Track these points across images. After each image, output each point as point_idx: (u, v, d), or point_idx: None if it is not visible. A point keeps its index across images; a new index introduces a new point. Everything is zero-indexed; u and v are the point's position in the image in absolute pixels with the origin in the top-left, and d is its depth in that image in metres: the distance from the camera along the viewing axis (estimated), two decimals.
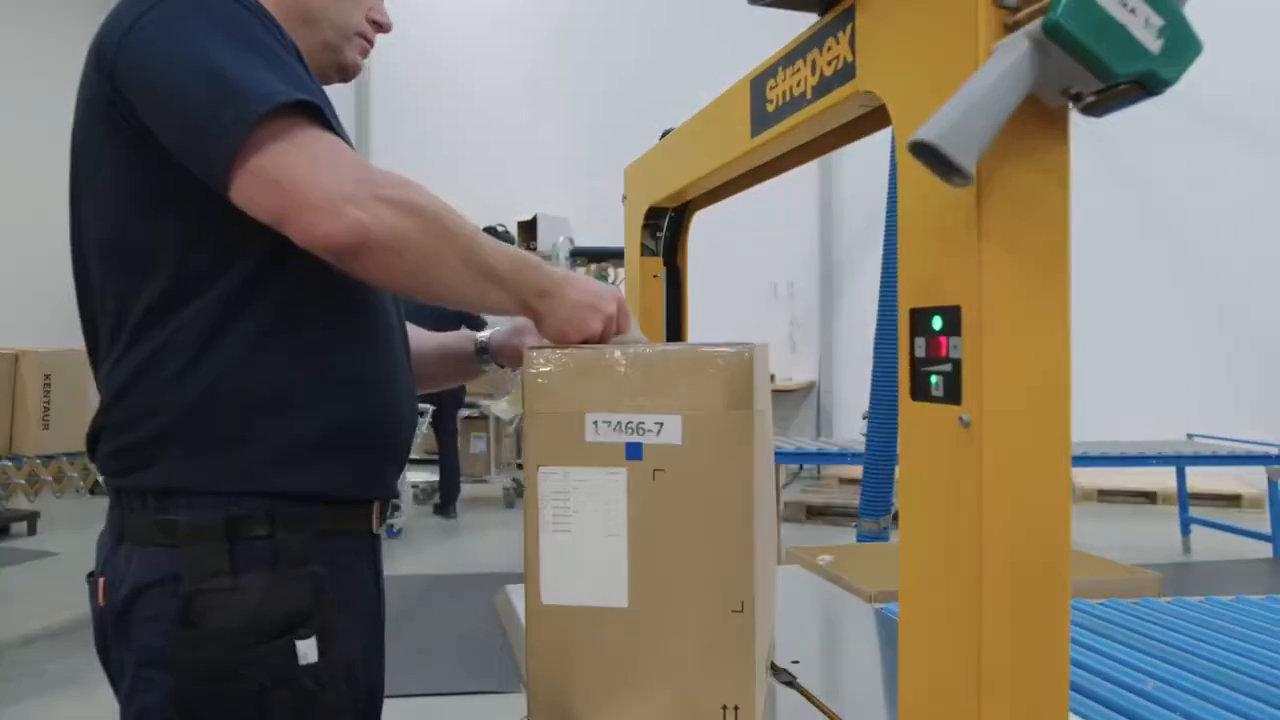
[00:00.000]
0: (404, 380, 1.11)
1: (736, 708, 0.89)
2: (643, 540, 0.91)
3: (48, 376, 4.12)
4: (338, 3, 1.13)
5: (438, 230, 0.89)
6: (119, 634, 0.96)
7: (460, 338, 1.36)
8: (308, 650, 0.95)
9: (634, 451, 0.90)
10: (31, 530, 6.62)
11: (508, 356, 1.33)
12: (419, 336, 1.30)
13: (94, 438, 1.03)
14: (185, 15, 0.92)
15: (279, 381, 0.97)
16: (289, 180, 0.85)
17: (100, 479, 1.09)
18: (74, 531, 6.69)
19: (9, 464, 4.02)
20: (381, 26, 1.19)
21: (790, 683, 1.15)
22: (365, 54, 1.19)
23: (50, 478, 4.17)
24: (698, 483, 0.88)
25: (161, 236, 0.95)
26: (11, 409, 4.07)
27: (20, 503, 6.42)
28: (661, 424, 0.88)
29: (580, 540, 0.93)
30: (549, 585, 0.94)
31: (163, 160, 0.92)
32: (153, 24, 0.92)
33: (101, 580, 0.98)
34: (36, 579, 5.36)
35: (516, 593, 1.64)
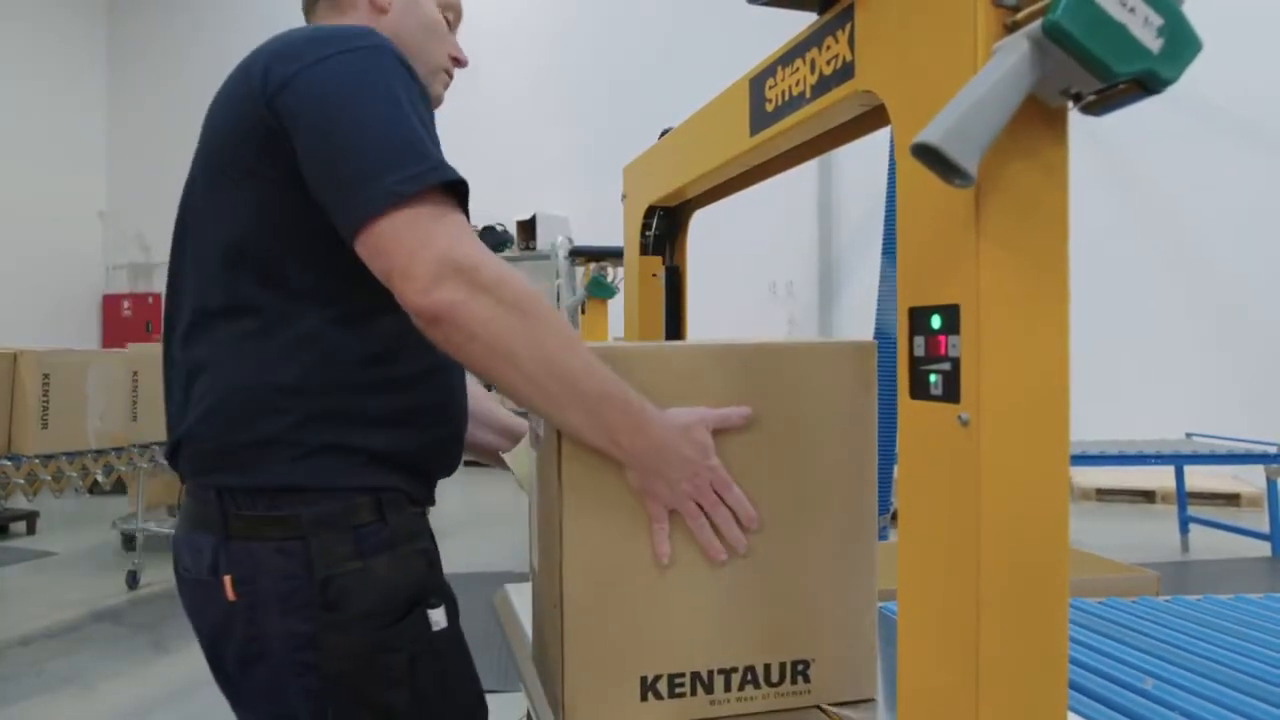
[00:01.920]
0: (464, 404, 1.23)
1: None
2: None
3: (46, 376, 4.11)
4: (428, 42, 1.24)
5: (517, 326, 0.90)
6: (255, 626, 1.02)
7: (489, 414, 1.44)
8: (439, 618, 1.07)
9: None
10: (30, 530, 6.62)
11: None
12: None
13: (189, 438, 1.07)
14: (366, 67, 0.99)
15: (381, 401, 1.07)
16: (402, 252, 0.91)
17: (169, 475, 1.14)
18: (73, 531, 6.69)
19: (8, 463, 4.02)
20: (460, 62, 1.30)
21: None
22: (447, 87, 1.30)
23: (49, 477, 4.17)
24: None
25: (293, 253, 1.03)
26: (10, 409, 4.07)
27: (19, 502, 6.43)
28: None
29: None
30: None
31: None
32: (335, 69, 0.99)
33: (228, 578, 1.02)
34: (35, 578, 5.36)
35: (516, 592, 1.64)
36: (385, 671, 1.03)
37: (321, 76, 0.98)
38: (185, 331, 1.09)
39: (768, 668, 1.03)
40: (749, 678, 1.02)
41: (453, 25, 1.30)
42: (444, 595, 1.10)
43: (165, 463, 4.86)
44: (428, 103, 1.04)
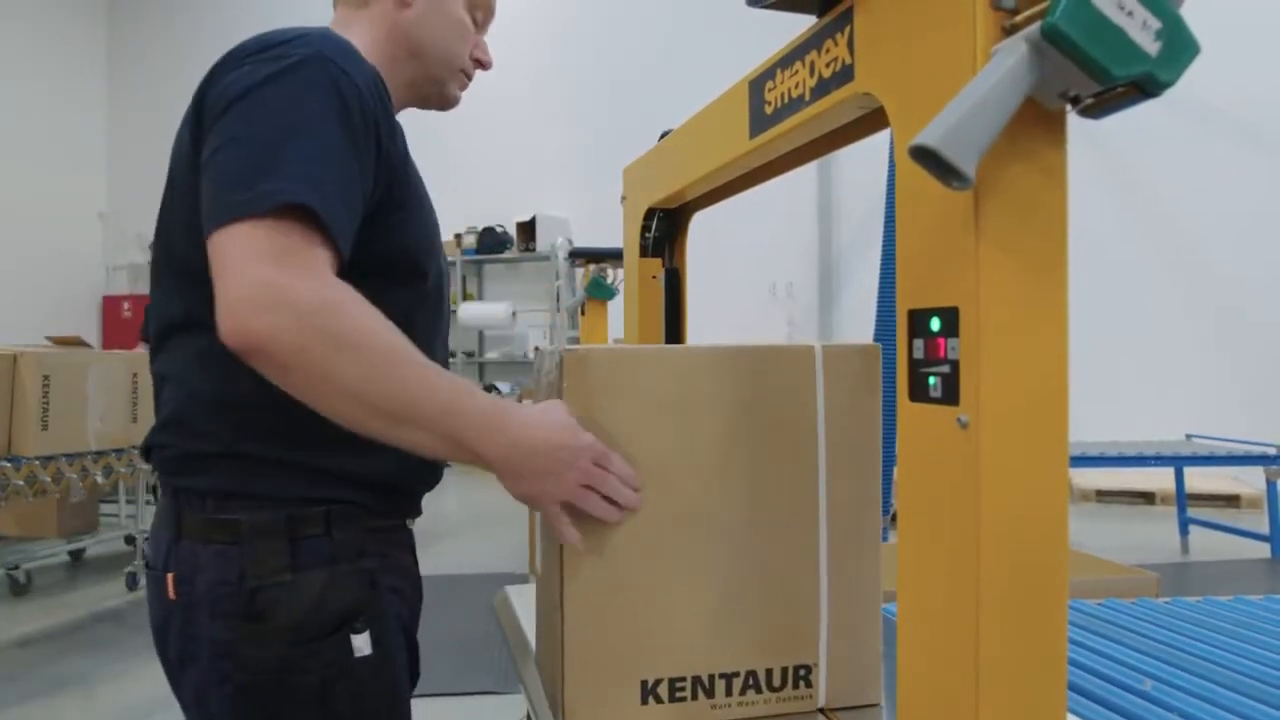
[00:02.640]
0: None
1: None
2: None
3: (46, 378, 4.11)
4: (447, 40, 1.20)
5: (333, 355, 0.85)
6: (189, 627, 1.01)
7: None
8: (362, 644, 1.01)
9: None
10: None
11: None
12: None
13: (154, 444, 1.08)
14: (277, 74, 0.94)
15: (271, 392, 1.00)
16: (223, 271, 0.87)
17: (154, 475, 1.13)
18: None
19: (7, 465, 4.01)
20: (483, 64, 1.25)
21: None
22: (465, 88, 1.26)
23: (49, 478, 4.17)
24: None
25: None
26: (10, 410, 4.07)
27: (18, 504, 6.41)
28: None
29: None
30: None
31: None
32: (247, 77, 0.94)
33: (171, 576, 1.01)
34: (35, 580, 5.35)
35: (515, 593, 1.64)
36: (293, 692, 0.98)
37: (235, 80, 0.95)
38: (154, 341, 1.10)
39: (769, 672, 1.03)
40: (750, 682, 1.02)
41: (481, 25, 1.25)
42: (375, 621, 1.03)
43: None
44: (369, 125, 0.97)
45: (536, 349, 1.25)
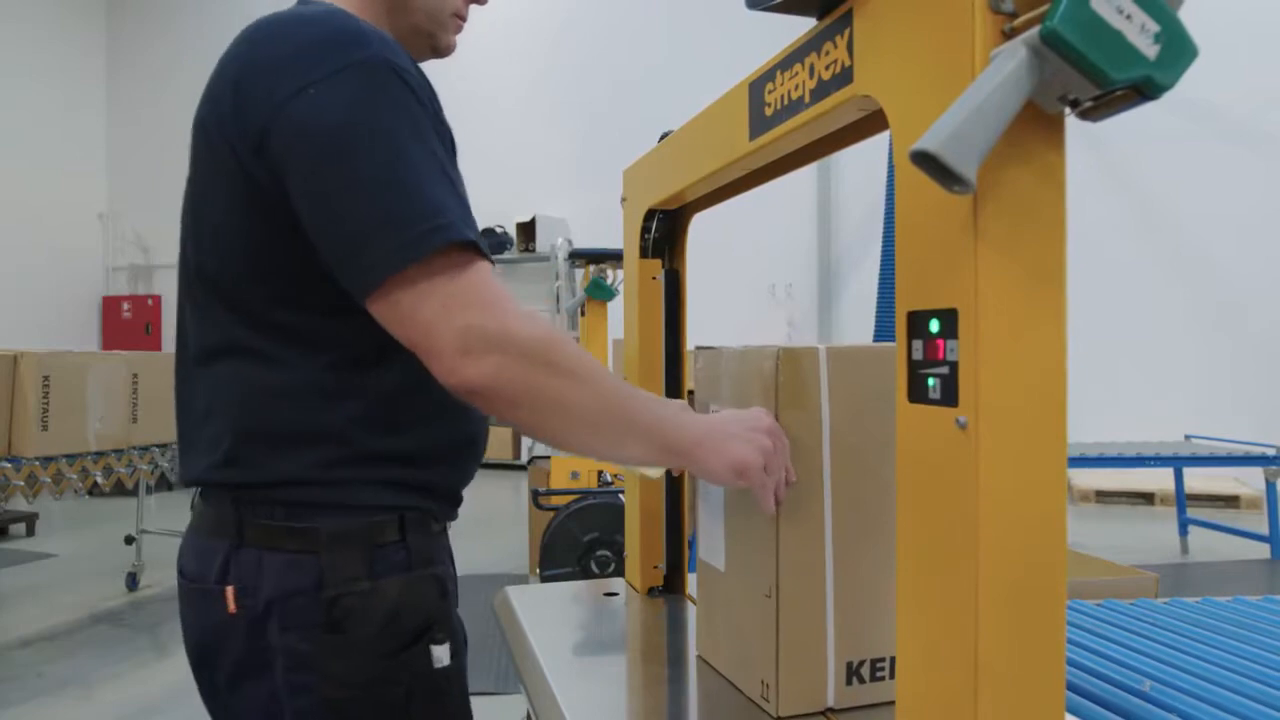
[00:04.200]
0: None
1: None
2: None
3: (46, 378, 4.11)
4: None
5: (560, 386, 0.89)
6: (254, 639, 0.97)
7: None
8: (442, 655, 1.02)
9: None
10: (30, 532, 6.63)
11: None
12: None
13: (224, 476, 1.00)
14: (359, 100, 0.89)
15: (405, 435, 1.02)
16: (421, 324, 0.87)
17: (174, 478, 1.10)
18: (72, 533, 6.69)
19: (7, 465, 4.02)
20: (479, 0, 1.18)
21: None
22: (459, 31, 1.19)
23: (49, 479, 4.17)
24: None
25: (290, 301, 0.97)
26: (10, 410, 4.07)
27: (19, 504, 6.43)
28: None
29: None
30: None
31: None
32: (328, 101, 0.88)
33: (231, 589, 0.97)
34: (35, 580, 5.36)
35: (515, 594, 1.64)
36: (381, 704, 0.98)
37: (311, 113, 0.88)
38: (194, 361, 1.04)
39: None
40: None
41: None
42: (450, 630, 1.04)
43: (164, 466, 4.87)
44: (441, 122, 0.96)
45: (698, 348, 1.30)
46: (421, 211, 0.87)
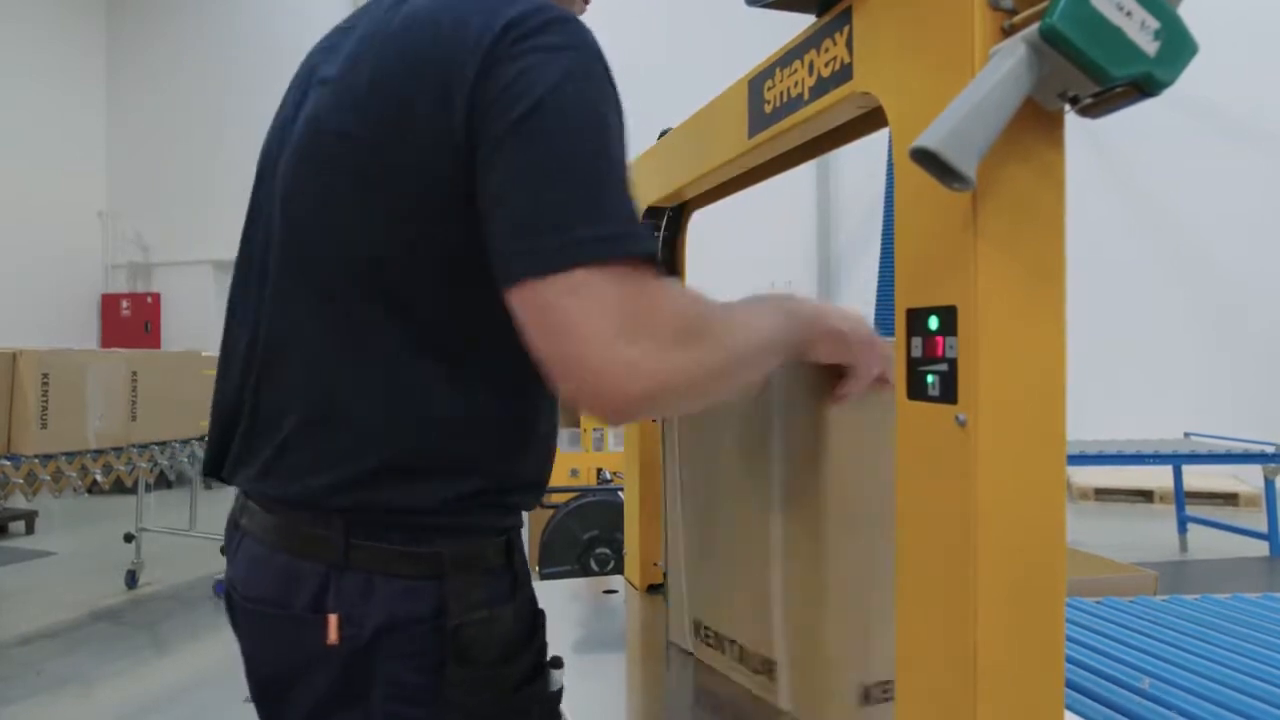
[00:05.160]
0: None
1: None
2: None
3: (45, 376, 4.11)
4: None
5: (723, 361, 0.82)
6: (352, 671, 0.88)
7: None
8: (559, 678, 0.98)
9: None
10: (29, 530, 6.63)
11: None
12: None
13: (343, 463, 0.90)
14: (592, 80, 0.81)
15: (527, 460, 0.97)
16: (574, 337, 0.75)
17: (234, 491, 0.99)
18: (72, 531, 6.70)
19: (7, 463, 4.01)
20: None
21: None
22: (583, 12, 1.11)
23: (48, 477, 4.17)
24: None
25: (456, 298, 0.88)
26: (9, 408, 4.07)
27: (18, 502, 6.43)
28: None
29: None
30: None
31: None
32: (561, 67, 0.80)
33: (334, 617, 0.88)
34: (34, 578, 5.36)
35: None
36: None
37: (528, 78, 0.79)
38: (275, 363, 0.95)
39: None
40: None
41: None
42: (545, 649, 0.99)
43: (164, 464, 4.87)
44: (627, 131, 0.87)
45: None
46: (604, 212, 0.77)
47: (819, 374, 1.04)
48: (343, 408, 0.89)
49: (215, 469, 1.04)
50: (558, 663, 0.99)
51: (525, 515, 1.14)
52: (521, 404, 0.94)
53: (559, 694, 0.98)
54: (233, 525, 1.01)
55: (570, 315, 0.74)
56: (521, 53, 0.80)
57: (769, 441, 1.11)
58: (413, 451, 0.89)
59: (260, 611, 0.93)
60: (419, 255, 0.87)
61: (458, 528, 0.91)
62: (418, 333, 0.88)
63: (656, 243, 0.84)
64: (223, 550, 1.06)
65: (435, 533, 0.89)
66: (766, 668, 1.11)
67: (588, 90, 0.81)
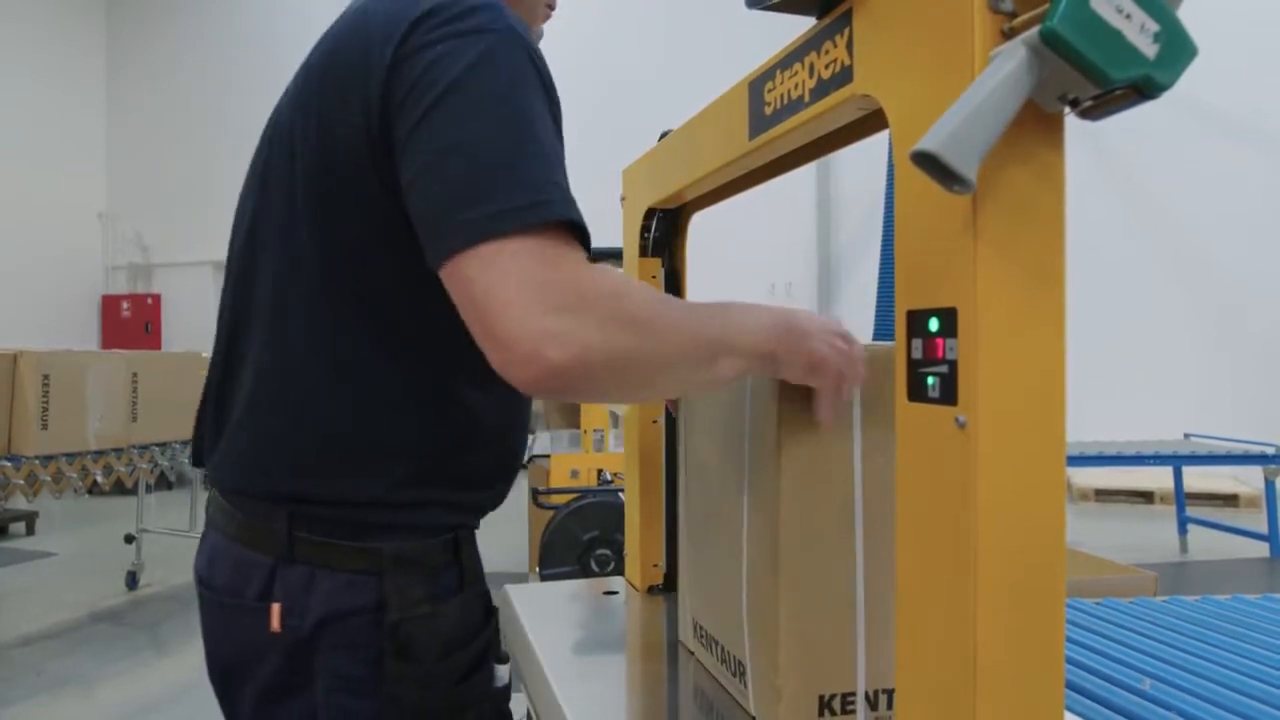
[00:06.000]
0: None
1: None
2: None
3: (46, 377, 4.11)
4: None
5: (654, 343, 0.79)
6: (298, 660, 0.92)
7: None
8: (504, 673, 1.00)
9: None
10: (30, 530, 6.63)
11: None
12: None
13: (286, 452, 0.94)
14: (506, 61, 0.83)
15: (472, 456, 0.98)
16: (492, 308, 0.75)
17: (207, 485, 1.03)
18: (72, 532, 6.70)
19: (7, 464, 4.02)
20: None
21: None
22: (548, 20, 1.17)
23: (49, 478, 4.17)
24: None
25: (390, 279, 0.90)
26: (10, 409, 4.07)
27: (19, 503, 6.43)
28: None
29: None
30: None
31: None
32: (460, 51, 0.81)
33: (277, 606, 0.92)
34: (35, 579, 5.36)
35: (516, 592, 1.64)
36: None
37: (438, 65, 0.81)
38: (281, 351, 0.95)
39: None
40: None
41: None
42: (498, 646, 1.02)
43: (164, 464, 4.87)
44: (555, 102, 0.89)
45: None
46: (532, 181, 0.79)
47: (784, 384, 0.98)
48: (285, 393, 0.93)
49: (198, 458, 1.09)
50: (503, 658, 1.00)
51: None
52: (466, 393, 0.95)
53: (505, 690, 1.00)
54: (208, 518, 1.05)
55: (487, 287, 0.75)
56: (437, 39, 0.82)
57: (741, 446, 1.10)
58: (352, 436, 0.91)
59: (219, 602, 0.98)
60: (358, 248, 0.90)
61: (400, 524, 0.93)
62: (361, 322, 0.90)
63: (578, 210, 0.81)
64: None
65: (377, 529, 0.92)
66: (740, 670, 1.11)
67: (503, 70, 0.82)
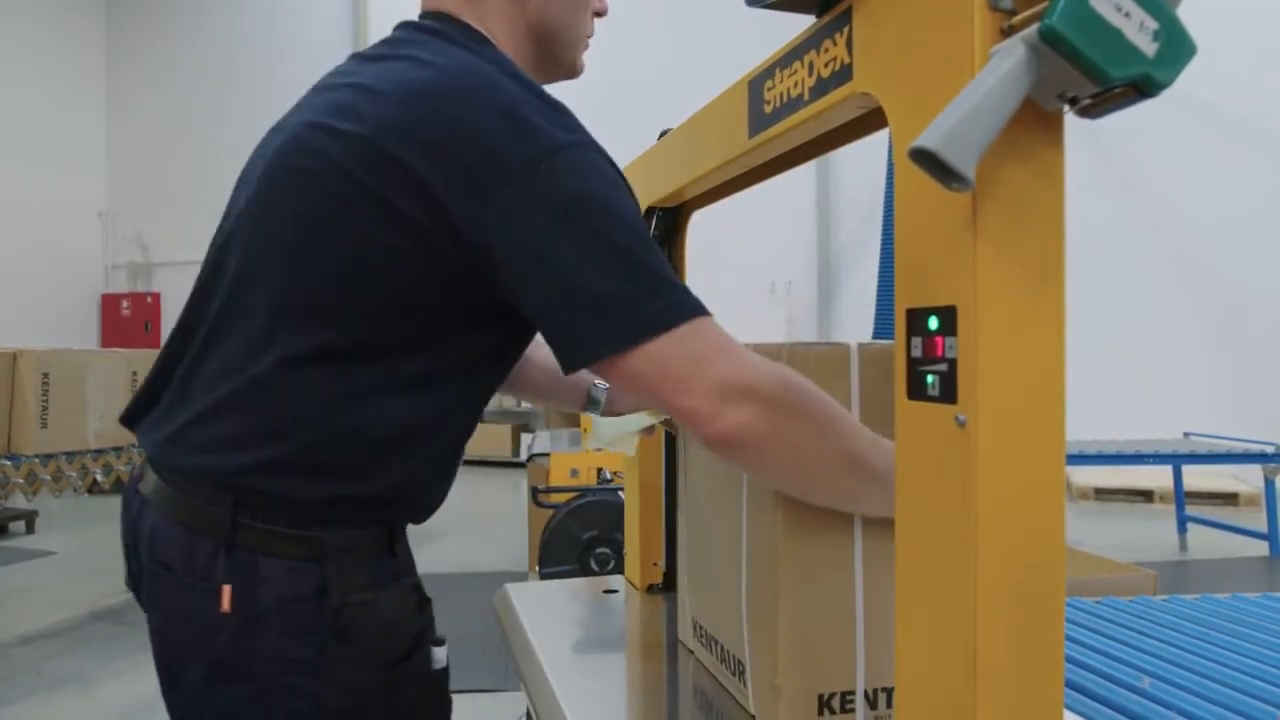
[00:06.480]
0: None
1: None
2: None
3: (46, 375, 4.11)
4: (577, 14, 1.16)
5: (806, 438, 0.89)
6: (245, 642, 0.96)
7: (579, 377, 1.43)
8: (441, 656, 1.05)
9: None
10: (30, 529, 6.63)
11: (616, 410, 1.45)
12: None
13: (218, 442, 0.98)
14: (600, 172, 0.93)
15: (415, 438, 1.02)
16: (676, 378, 0.87)
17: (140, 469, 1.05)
18: (72, 531, 6.69)
19: (7, 463, 4.02)
20: (601, 13, 1.21)
21: None
22: (587, 49, 1.22)
23: (48, 477, 4.17)
24: None
25: (354, 307, 0.96)
26: (10, 408, 4.07)
27: (18, 502, 6.43)
28: None
29: None
30: None
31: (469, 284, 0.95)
32: (555, 183, 0.90)
33: (228, 587, 0.96)
34: (35, 578, 5.36)
35: (515, 591, 1.65)
36: (395, 708, 1.00)
37: (540, 194, 0.89)
38: (248, 347, 0.99)
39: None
40: None
41: None
42: (434, 633, 1.07)
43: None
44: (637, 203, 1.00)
45: None
46: (665, 281, 0.90)
47: None
48: (252, 400, 0.97)
49: (130, 419, 1.12)
50: (439, 641, 1.05)
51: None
52: (414, 407, 1.00)
53: (444, 673, 1.06)
54: (132, 489, 1.09)
55: (663, 364, 0.87)
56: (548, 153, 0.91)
57: None
58: (307, 450, 0.96)
59: (164, 575, 1.01)
60: (323, 273, 0.95)
61: (338, 519, 0.98)
62: (325, 344, 0.96)
63: (697, 300, 0.91)
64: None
65: (316, 521, 0.97)
66: (739, 669, 1.11)
67: (604, 184, 0.94)
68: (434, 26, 1.05)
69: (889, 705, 1.01)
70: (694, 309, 0.89)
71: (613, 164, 0.96)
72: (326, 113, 0.98)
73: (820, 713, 1.01)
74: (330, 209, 0.94)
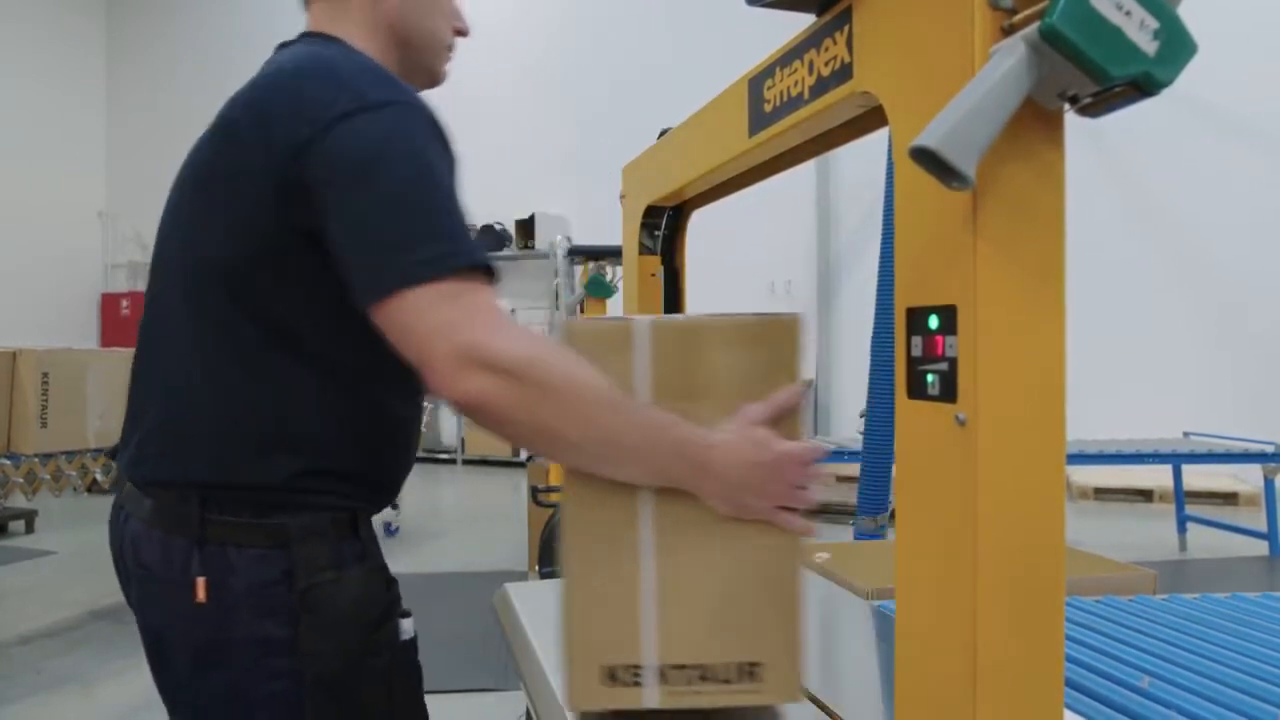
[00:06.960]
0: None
1: None
2: None
3: (45, 375, 4.11)
4: (433, 21, 1.21)
5: (551, 406, 0.91)
6: (225, 630, 1.03)
7: None
8: (409, 627, 1.11)
9: None
10: (29, 529, 6.63)
11: None
12: None
13: (195, 444, 1.05)
14: (398, 131, 0.97)
15: (377, 432, 1.11)
16: (416, 339, 0.92)
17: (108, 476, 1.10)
18: (72, 530, 6.69)
19: (7, 462, 4.02)
20: (462, 33, 1.27)
21: None
22: (449, 62, 1.28)
23: (48, 476, 4.17)
24: None
25: (309, 317, 1.03)
26: (9, 408, 4.07)
27: (18, 501, 6.42)
28: None
29: None
30: None
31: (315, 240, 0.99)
32: (364, 129, 0.96)
33: (202, 580, 1.02)
34: (34, 577, 5.36)
35: (515, 591, 1.64)
36: (366, 674, 1.05)
37: (351, 137, 0.96)
38: (181, 351, 1.07)
39: (725, 666, 1.00)
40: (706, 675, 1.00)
41: None
42: (400, 606, 1.13)
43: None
44: (456, 163, 1.03)
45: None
46: (444, 233, 0.94)
47: None
48: (199, 397, 1.04)
49: (114, 454, 1.21)
50: (406, 614, 1.12)
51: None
52: (367, 393, 1.08)
53: (412, 643, 1.12)
54: (118, 505, 1.15)
55: (411, 330, 0.91)
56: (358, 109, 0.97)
57: None
58: (259, 434, 1.03)
59: (148, 576, 1.08)
60: (259, 265, 1.02)
61: (301, 505, 1.04)
62: (267, 331, 1.02)
63: (478, 250, 0.95)
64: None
65: (279, 509, 1.03)
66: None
67: (412, 135, 0.98)
68: (301, 36, 1.19)
69: (689, 683, 0.99)
70: (471, 261, 0.92)
71: (436, 125, 1.01)
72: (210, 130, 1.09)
73: (609, 683, 1.00)
74: (217, 200, 1.04)
